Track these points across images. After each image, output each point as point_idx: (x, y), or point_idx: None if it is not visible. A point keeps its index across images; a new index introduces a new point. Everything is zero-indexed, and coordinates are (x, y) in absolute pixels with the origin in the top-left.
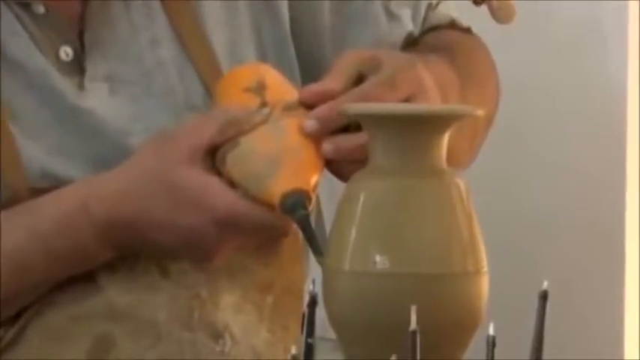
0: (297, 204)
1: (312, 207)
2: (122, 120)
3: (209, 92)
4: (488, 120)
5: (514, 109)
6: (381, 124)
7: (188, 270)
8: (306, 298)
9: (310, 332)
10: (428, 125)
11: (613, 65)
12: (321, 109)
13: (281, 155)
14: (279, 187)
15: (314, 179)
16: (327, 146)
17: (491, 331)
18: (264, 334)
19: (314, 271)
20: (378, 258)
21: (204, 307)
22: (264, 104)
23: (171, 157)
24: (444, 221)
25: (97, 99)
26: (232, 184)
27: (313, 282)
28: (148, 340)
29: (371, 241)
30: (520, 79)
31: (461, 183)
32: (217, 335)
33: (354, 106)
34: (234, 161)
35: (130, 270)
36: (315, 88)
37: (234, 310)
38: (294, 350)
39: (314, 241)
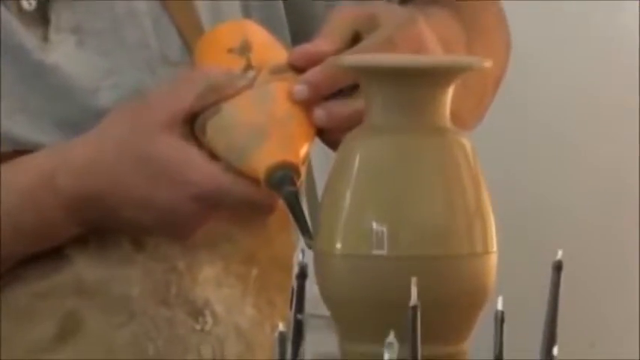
0: (284, 179)
1: (300, 182)
2: (91, 76)
3: (188, 47)
4: (497, 78)
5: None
6: (378, 77)
7: (163, 241)
8: (295, 270)
9: (299, 308)
10: (430, 78)
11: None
12: (312, 73)
13: (267, 124)
14: (264, 159)
15: (303, 150)
16: (319, 113)
17: (499, 306)
18: (249, 311)
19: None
20: (375, 225)
21: (181, 282)
22: (249, 66)
23: (145, 125)
24: (448, 185)
25: (62, 53)
26: (213, 155)
27: (302, 252)
28: (120, 317)
29: (367, 208)
30: (530, 41)
31: (466, 143)
32: (197, 312)
33: (350, 58)
34: (216, 130)
35: (100, 242)
36: (305, 49)
37: (215, 284)
38: (281, 327)
39: (302, 222)
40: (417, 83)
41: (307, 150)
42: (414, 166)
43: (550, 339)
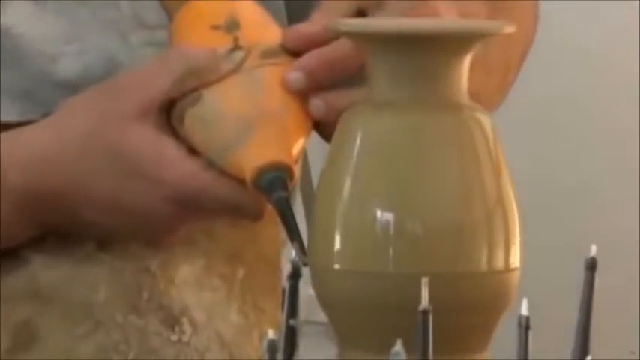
0: (274, 182)
1: (294, 183)
2: (51, 40)
3: (167, 12)
4: (523, 51)
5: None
6: (384, 45)
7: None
8: (287, 269)
9: (292, 312)
10: (443, 46)
11: None
12: (309, 59)
13: (256, 116)
14: (252, 158)
15: (297, 148)
16: (317, 103)
17: (524, 310)
18: (234, 318)
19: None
20: (379, 214)
21: (154, 284)
22: (236, 47)
23: (114, 114)
24: (464, 171)
25: (19, 13)
26: (192, 150)
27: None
28: (83, 326)
29: (371, 194)
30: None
31: (486, 121)
32: (173, 320)
33: (349, 22)
34: (195, 121)
35: (59, 238)
36: (302, 29)
37: (194, 287)
38: (271, 335)
39: (295, 234)
40: (428, 51)
41: (302, 147)
42: (424, 149)
43: (583, 347)
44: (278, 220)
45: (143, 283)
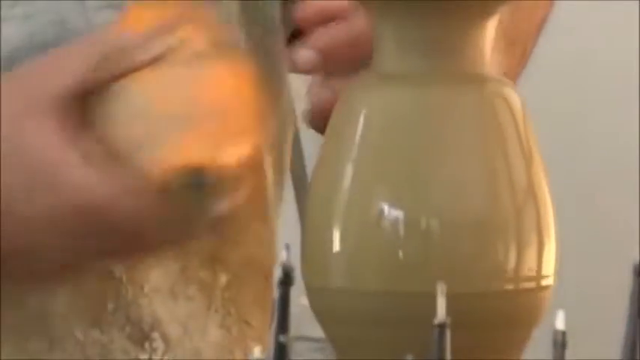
0: (193, 186)
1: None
2: None
3: None
4: (543, 17)
5: None
6: (391, 6)
7: None
8: (277, 275)
9: (282, 326)
10: (463, 8)
11: None
12: (322, 35)
13: (184, 114)
14: (171, 159)
15: (233, 152)
16: (306, 54)
17: (559, 325)
18: (214, 333)
19: (287, 231)
20: (386, 209)
21: (121, 294)
22: (170, 30)
23: (15, 109)
24: (489, 158)
25: None
26: (111, 151)
27: (287, 248)
28: (37, 343)
29: (376, 184)
30: None
31: (513, 96)
32: (142, 336)
33: None
34: (113, 116)
35: None
36: (316, 6)
37: (168, 297)
38: (258, 353)
39: None
40: (444, 14)
41: (243, 152)
42: (440, 129)
43: None
44: (269, 218)
45: (107, 292)
